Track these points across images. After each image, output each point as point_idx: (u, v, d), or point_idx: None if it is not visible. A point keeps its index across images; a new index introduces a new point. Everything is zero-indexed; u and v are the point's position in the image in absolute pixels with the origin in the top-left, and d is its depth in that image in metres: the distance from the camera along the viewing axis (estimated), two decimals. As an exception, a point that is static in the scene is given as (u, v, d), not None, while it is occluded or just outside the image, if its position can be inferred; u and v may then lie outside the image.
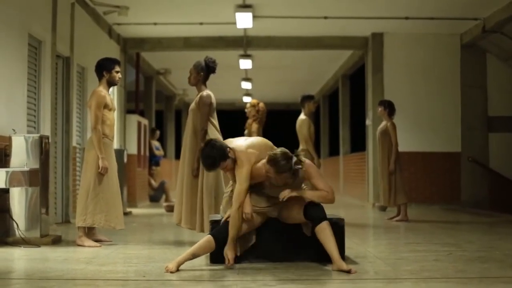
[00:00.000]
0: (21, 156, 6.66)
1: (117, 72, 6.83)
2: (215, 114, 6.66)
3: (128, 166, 12.17)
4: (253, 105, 9.49)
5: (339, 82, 17.64)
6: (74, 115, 9.61)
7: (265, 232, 5.33)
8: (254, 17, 11.21)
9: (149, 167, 14.49)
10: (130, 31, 12.58)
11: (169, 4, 10.90)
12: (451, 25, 12.13)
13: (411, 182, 12.31)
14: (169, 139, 20.79)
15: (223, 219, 5.23)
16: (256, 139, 5.40)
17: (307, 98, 9.47)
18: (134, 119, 13.27)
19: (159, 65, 16.60)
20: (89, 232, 6.73)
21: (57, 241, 6.76)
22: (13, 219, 6.59)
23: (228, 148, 5.17)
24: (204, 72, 6.73)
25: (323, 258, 5.09)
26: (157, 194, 14.52)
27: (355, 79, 16.98)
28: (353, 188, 16.00)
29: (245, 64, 15.14)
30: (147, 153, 14.30)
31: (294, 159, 4.97)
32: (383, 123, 9.78)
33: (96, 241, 6.68)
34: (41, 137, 6.80)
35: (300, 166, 4.99)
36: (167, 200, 14.03)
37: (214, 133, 6.51)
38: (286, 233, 5.32)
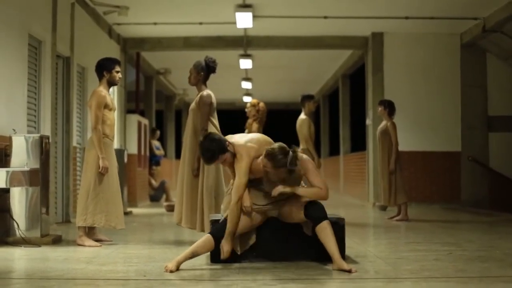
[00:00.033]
0: (21, 156, 6.66)
1: (117, 72, 6.83)
2: (215, 114, 6.67)
3: (129, 166, 12.18)
4: (253, 105, 9.49)
5: (339, 81, 17.64)
6: (74, 115, 9.61)
7: (265, 231, 5.33)
8: (254, 17, 11.21)
9: (149, 167, 14.49)
10: (130, 31, 12.58)
11: (169, 4, 10.90)
12: (451, 24, 12.13)
13: (411, 182, 12.31)
14: (169, 139, 20.80)
15: (223, 218, 5.23)
16: (255, 135, 5.42)
17: (307, 97, 9.48)
18: (134, 119, 13.27)
19: (159, 65, 16.61)
20: (90, 231, 6.73)
21: (57, 241, 6.77)
22: (13, 219, 6.59)
23: (227, 142, 5.19)
24: (204, 72, 6.73)
25: (324, 257, 5.09)
26: (157, 194, 14.52)
27: (355, 79, 16.99)
28: (353, 187, 16.00)
29: (245, 64, 15.14)
30: (148, 153, 14.30)
31: (291, 154, 4.97)
32: (383, 123, 9.79)
33: (97, 240, 6.69)
34: (41, 137, 6.80)
35: (294, 166, 4.98)
36: (167, 199, 14.03)
37: (214, 133, 6.51)
38: (287, 233, 5.32)
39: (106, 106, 6.69)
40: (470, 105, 12.75)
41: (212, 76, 6.83)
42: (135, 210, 11.58)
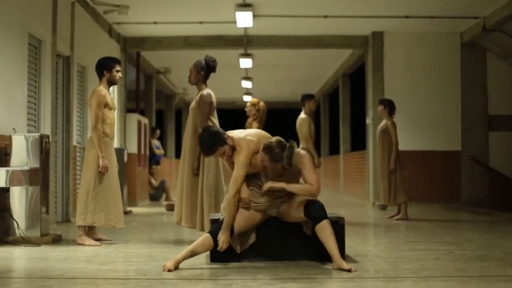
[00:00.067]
0: (21, 155, 6.66)
1: (118, 71, 6.83)
2: (215, 113, 6.67)
3: (128, 165, 12.18)
4: (253, 104, 9.48)
5: (339, 81, 17.64)
6: (75, 114, 9.61)
7: (265, 230, 5.33)
8: (254, 16, 11.21)
9: (149, 166, 14.49)
10: (130, 30, 12.58)
11: (169, 3, 10.90)
12: (451, 23, 12.13)
13: (411, 181, 12.31)
14: (169, 138, 20.80)
15: (222, 217, 5.23)
16: (254, 130, 5.47)
17: (307, 97, 9.47)
18: (134, 118, 13.27)
19: (159, 64, 16.60)
20: (90, 231, 6.74)
21: (57, 240, 6.77)
22: (13, 218, 6.59)
23: (226, 135, 5.20)
24: (204, 71, 6.73)
25: (324, 257, 5.09)
26: (157, 193, 14.52)
27: (355, 78, 16.99)
28: (353, 187, 16.00)
29: (245, 63, 15.14)
30: (147, 152, 14.30)
31: (288, 148, 4.98)
32: (383, 122, 9.78)
33: (96, 240, 6.69)
34: (41, 136, 6.80)
35: (290, 160, 4.98)
36: (167, 199, 14.03)
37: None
38: (286, 232, 5.32)
39: (106, 105, 6.69)
40: (470, 104, 12.75)
41: (212, 75, 6.83)
42: (135, 210, 11.58)
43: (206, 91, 6.63)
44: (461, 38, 12.68)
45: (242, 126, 9.80)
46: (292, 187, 5.06)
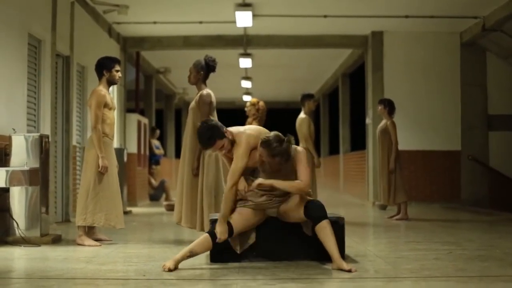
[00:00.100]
0: (21, 155, 6.66)
1: (117, 71, 6.83)
2: (215, 113, 6.67)
3: (128, 165, 12.17)
4: (253, 104, 9.49)
5: (339, 80, 17.64)
6: (74, 114, 9.61)
7: (265, 231, 5.32)
8: (254, 16, 11.21)
9: (149, 166, 14.49)
10: (130, 30, 12.57)
11: (169, 3, 10.90)
12: (451, 23, 12.13)
13: (411, 181, 12.31)
14: (169, 138, 20.79)
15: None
16: (254, 126, 5.50)
17: (307, 97, 9.47)
18: (134, 118, 13.27)
19: (159, 64, 16.60)
20: (89, 231, 6.73)
21: (57, 240, 6.76)
22: (13, 218, 6.59)
23: (225, 128, 5.23)
24: (204, 71, 6.73)
25: (323, 257, 5.08)
26: (157, 193, 14.52)
27: (355, 78, 16.99)
28: (353, 186, 16.00)
29: (245, 63, 15.14)
30: (147, 152, 14.30)
31: (286, 143, 5.01)
32: (383, 122, 9.78)
33: (96, 240, 6.69)
34: (41, 136, 6.80)
35: (287, 154, 5.00)
36: (167, 199, 14.03)
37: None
38: (286, 232, 5.32)
39: (106, 105, 6.69)
40: (470, 104, 12.75)
41: (212, 75, 6.83)
42: (134, 210, 11.58)
43: (205, 91, 6.63)
44: (461, 37, 12.68)
45: (241, 125, 9.80)
46: (280, 184, 5.07)
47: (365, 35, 13.10)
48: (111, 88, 7.00)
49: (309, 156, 8.88)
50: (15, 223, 6.57)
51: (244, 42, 13.16)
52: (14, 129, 6.97)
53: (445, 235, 7.53)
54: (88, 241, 6.51)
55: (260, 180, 5.07)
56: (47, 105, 8.37)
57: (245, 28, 12.60)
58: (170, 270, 4.81)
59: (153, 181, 14.56)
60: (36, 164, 6.63)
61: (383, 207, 11.31)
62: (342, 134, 17.60)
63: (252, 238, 5.30)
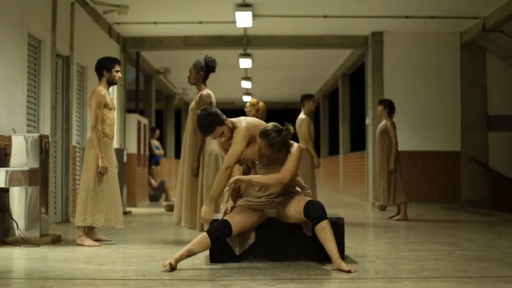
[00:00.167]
0: (21, 155, 6.66)
1: (117, 71, 6.83)
2: (215, 113, 6.66)
3: (128, 165, 12.17)
4: (252, 104, 9.48)
5: (339, 81, 17.64)
6: (74, 114, 9.61)
7: (265, 231, 5.32)
8: (254, 16, 11.22)
9: (149, 167, 14.50)
10: (130, 30, 12.58)
11: (169, 3, 10.90)
12: (451, 24, 12.13)
13: (411, 181, 12.31)
14: (169, 138, 20.79)
15: (220, 216, 5.23)
16: (251, 118, 5.49)
17: (306, 97, 9.47)
18: (134, 118, 13.27)
19: (159, 64, 16.60)
20: (89, 231, 6.73)
21: (56, 241, 6.76)
22: (12, 219, 6.59)
23: (224, 116, 5.29)
24: (204, 71, 6.74)
25: (323, 257, 5.08)
26: (157, 194, 14.53)
27: (355, 78, 16.99)
28: (352, 187, 16.00)
29: (245, 63, 15.14)
30: (147, 153, 14.30)
31: (285, 131, 5.04)
32: (383, 122, 9.78)
33: (96, 240, 6.68)
34: (41, 137, 6.79)
35: (287, 145, 5.05)
36: (167, 199, 14.03)
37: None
38: (286, 232, 5.31)
39: (105, 105, 6.69)
40: (470, 105, 12.75)
41: (211, 75, 6.84)
42: (134, 210, 11.58)
43: (205, 91, 6.63)
44: (461, 38, 12.69)
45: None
46: (259, 179, 5.09)
47: (365, 36, 13.10)
48: (111, 89, 7.00)
49: (308, 157, 8.90)
50: (14, 223, 6.56)
51: (244, 42, 13.16)
52: (14, 129, 6.97)
53: (445, 235, 7.53)
54: (88, 241, 6.51)
55: (237, 177, 5.09)
56: (47, 105, 8.37)
57: (245, 29, 12.61)
58: (170, 266, 4.82)
59: (153, 181, 14.56)
60: (36, 164, 6.63)
61: (383, 208, 11.31)
62: (342, 134, 17.60)
63: (252, 238, 5.30)
